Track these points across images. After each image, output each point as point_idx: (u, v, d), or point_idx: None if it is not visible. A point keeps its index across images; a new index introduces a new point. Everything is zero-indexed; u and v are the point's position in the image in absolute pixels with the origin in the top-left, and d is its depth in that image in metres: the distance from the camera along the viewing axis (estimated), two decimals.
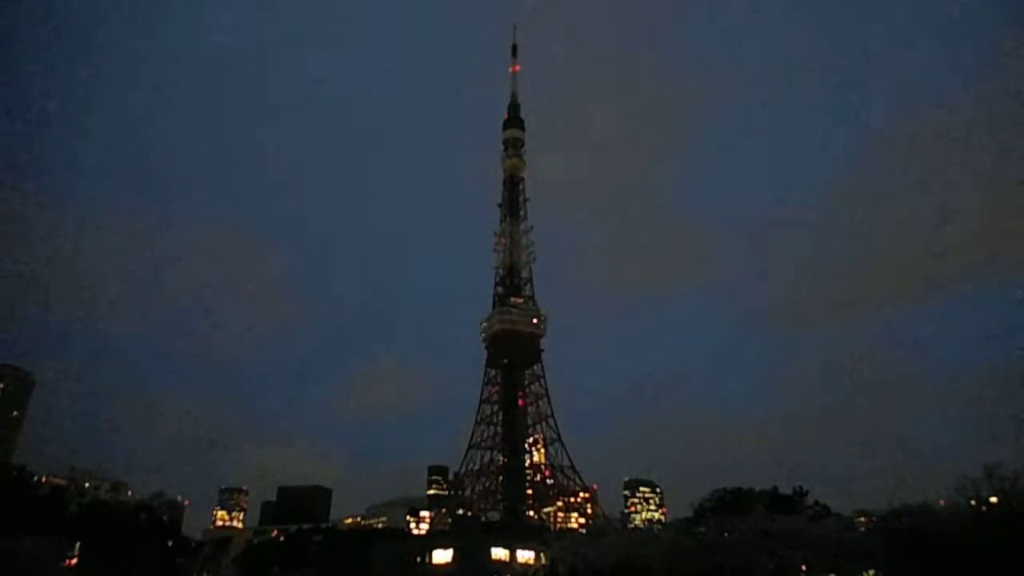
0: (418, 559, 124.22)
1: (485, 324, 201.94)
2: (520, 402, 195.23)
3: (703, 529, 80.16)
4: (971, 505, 59.95)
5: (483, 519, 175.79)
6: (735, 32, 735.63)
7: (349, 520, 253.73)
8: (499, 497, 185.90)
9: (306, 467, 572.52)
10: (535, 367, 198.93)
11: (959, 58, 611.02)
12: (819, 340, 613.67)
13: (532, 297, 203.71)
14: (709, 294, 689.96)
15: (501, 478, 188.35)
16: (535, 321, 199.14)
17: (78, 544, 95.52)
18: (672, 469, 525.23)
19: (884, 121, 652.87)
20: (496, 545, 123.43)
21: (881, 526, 71.10)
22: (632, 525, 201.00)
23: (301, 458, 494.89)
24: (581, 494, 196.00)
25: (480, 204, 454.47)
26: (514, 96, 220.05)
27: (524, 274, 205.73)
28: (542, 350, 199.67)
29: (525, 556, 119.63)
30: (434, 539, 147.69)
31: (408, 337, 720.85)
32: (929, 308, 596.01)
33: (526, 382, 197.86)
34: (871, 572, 68.15)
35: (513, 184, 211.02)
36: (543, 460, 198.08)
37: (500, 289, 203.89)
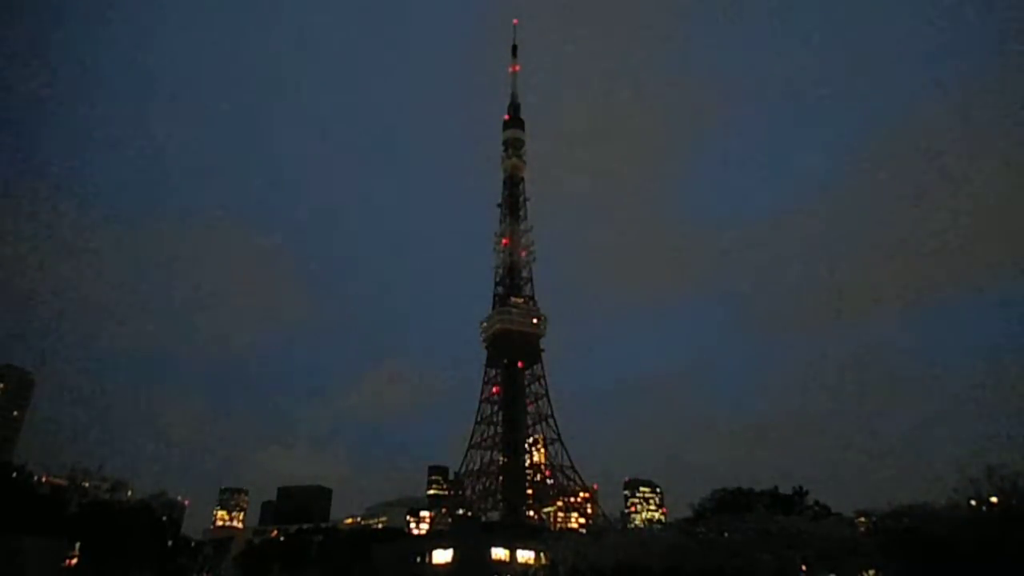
0: (418, 559, 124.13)
1: (485, 324, 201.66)
2: (528, 404, 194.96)
3: (703, 529, 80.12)
4: (971, 505, 59.94)
5: (483, 519, 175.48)
6: (735, 36, 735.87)
7: (349, 520, 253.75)
8: (499, 497, 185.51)
9: (306, 467, 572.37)
10: (535, 367, 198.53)
11: (959, 60, 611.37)
12: (819, 341, 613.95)
13: (532, 297, 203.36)
14: (709, 294, 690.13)
15: (501, 478, 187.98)
16: (535, 321, 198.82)
17: (78, 544, 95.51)
18: (672, 469, 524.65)
19: (882, 124, 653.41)
20: (496, 545, 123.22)
21: (881, 526, 71.05)
22: (632, 525, 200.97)
23: (301, 458, 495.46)
24: (581, 494, 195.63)
25: (480, 204, 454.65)
26: (514, 96, 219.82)
27: (524, 274, 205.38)
28: (542, 350, 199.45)
29: (525, 556, 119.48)
30: (434, 539, 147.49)
31: (408, 337, 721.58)
32: (929, 309, 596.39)
33: (526, 382, 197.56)
34: (871, 572, 68.13)
35: (513, 184, 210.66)
36: (543, 460, 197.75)
37: (500, 289, 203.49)
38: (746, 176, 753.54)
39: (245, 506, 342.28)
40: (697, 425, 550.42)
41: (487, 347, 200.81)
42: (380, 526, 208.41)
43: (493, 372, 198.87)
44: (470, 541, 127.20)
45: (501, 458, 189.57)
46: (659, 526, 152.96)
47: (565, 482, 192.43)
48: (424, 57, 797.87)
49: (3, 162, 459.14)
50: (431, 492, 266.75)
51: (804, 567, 66.33)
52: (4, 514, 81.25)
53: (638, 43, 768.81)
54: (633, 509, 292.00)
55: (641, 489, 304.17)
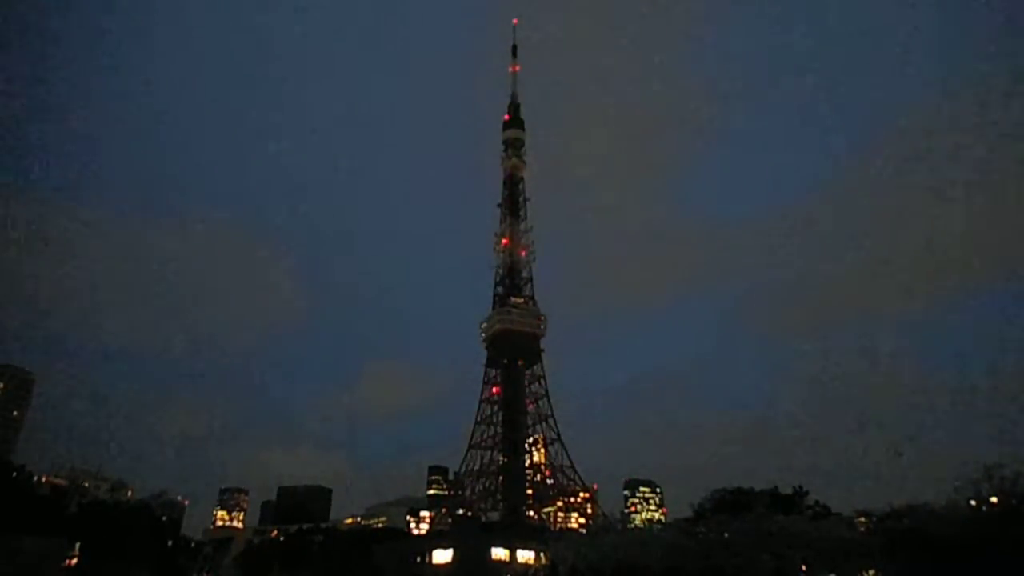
0: (418, 559, 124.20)
1: (485, 324, 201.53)
2: (528, 405, 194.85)
3: (703, 529, 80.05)
4: (971, 505, 59.89)
5: (483, 519, 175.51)
6: (734, 36, 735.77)
7: (349, 520, 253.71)
8: (499, 497, 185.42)
9: (306, 467, 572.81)
10: (535, 367, 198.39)
11: (962, 58, 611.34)
12: (819, 341, 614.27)
13: (532, 297, 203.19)
14: (709, 294, 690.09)
15: (501, 478, 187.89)
16: (535, 321, 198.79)
17: (78, 544, 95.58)
18: (672, 469, 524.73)
19: (884, 124, 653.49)
20: (496, 545, 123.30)
21: (881, 526, 71.08)
22: (632, 525, 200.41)
23: (301, 458, 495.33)
24: (581, 494, 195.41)
25: (480, 204, 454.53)
26: (514, 96, 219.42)
27: (524, 274, 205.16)
28: (542, 350, 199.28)
29: (525, 556, 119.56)
30: (434, 539, 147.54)
31: (408, 338, 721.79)
32: (929, 309, 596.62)
33: (526, 382, 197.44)
34: (871, 572, 68.09)
35: (513, 184, 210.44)
36: (543, 460, 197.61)
37: (500, 289, 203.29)
38: (747, 176, 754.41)
39: (245, 506, 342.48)
40: (697, 425, 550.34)
41: (487, 347, 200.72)
42: (380, 526, 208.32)
43: (493, 372, 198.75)
44: (470, 541, 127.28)
45: (501, 458, 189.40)
46: (659, 526, 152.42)
47: (565, 482, 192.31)
48: (424, 57, 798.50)
49: (2, 162, 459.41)
50: (431, 492, 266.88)
51: (804, 567, 66.30)
52: (4, 514, 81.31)
53: (639, 42, 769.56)
54: (633, 509, 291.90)
55: (641, 489, 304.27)
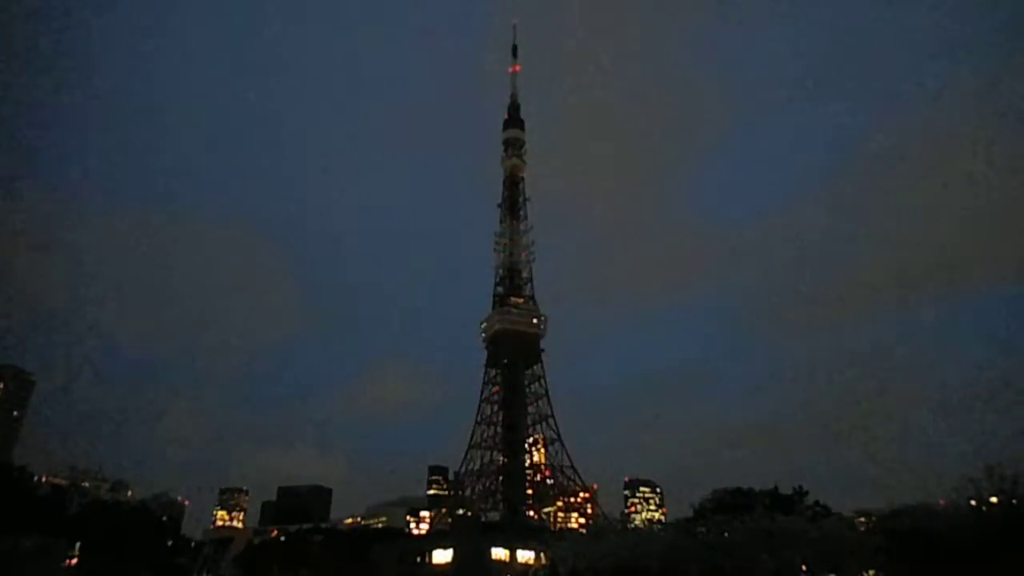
0: (418, 559, 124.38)
1: (485, 324, 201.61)
2: (528, 404, 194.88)
3: (703, 529, 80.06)
4: (971, 505, 59.81)
5: (483, 519, 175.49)
6: (736, 37, 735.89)
7: (349, 520, 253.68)
8: (499, 497, 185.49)
9: (306, 467, 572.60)
10: (535, 367, 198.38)
11: (966, 58, 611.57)
12: (819, 341, 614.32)
13: (532, 297, 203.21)
14: (709, 294, 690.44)
15: (501, 478, 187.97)
16: (535, 321, 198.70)
17: (78, 544, 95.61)
18: (672, 469, 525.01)
19: (886, 124, 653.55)
20: (496, 545, 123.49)
21: (881, 526, 71.00)
22: (632, 525, 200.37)
23: (301, 458, 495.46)
24: (581, 494, 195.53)
25: (480, 204, 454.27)
26: (514, 96, 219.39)
27: (524, 274, 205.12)
28: (542, 350, 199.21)
29: (525, 556, 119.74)
30: (434, 539, 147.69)
31: (408, 338, 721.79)
32: (929, 309, 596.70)
33: (526, 382, 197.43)
34: (871, 572, 68.07)
35: (513, 184, 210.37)
36: (543, 460, 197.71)
37: (500, 289, 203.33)
38: (748, 176, 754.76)
39: (245, 506, 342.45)
40: (697, 425, 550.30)
41: (487, 347, 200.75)
42: (380, 526, 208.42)
43: (493, 372, 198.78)
44: (470, 541, 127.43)
45: (501, 458, 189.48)
46: (659, 526, 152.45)
47: (565, 482, 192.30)
48: (424, 57, 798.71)
49: (2, 163, 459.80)
50: (431, 492, 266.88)
51: (804, 567, 66.29)
52: (4, 514, 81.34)
53: (639, 42, 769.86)
54: (633, 509, 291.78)
55: (641, 489, 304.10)
